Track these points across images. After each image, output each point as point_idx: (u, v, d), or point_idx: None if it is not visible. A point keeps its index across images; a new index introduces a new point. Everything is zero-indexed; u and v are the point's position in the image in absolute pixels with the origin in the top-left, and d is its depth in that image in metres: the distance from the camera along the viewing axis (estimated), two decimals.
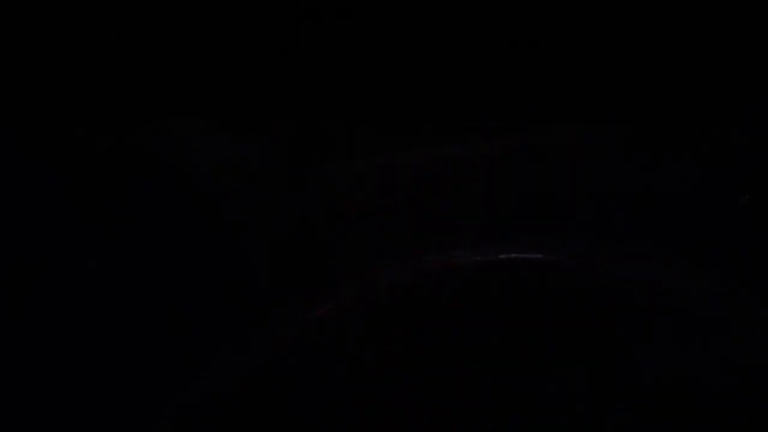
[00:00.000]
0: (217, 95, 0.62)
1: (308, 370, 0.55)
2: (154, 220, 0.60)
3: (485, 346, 0.57)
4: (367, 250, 0.57)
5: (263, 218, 0.61)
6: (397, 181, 0.62)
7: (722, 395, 0.54)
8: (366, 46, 0.62)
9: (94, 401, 0.56)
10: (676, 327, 0.55)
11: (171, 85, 0.61)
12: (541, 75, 0.63)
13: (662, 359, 0.56)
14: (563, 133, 0.61)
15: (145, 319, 0.59)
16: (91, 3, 0.59)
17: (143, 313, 0.59)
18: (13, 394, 0.56)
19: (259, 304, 0.57)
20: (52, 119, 0.60)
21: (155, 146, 0.59)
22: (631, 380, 0.56)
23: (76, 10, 0.59)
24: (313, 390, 0.56)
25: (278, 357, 0.54)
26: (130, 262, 0.59)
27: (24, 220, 0.59)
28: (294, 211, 0.61)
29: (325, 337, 0.55)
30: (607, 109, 0.63)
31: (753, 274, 0.57)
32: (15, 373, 0.57)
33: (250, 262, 0.60)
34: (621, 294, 0.55)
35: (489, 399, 0.56)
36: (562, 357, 0.56)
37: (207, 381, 0.54)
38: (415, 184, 0.62)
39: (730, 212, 0.61)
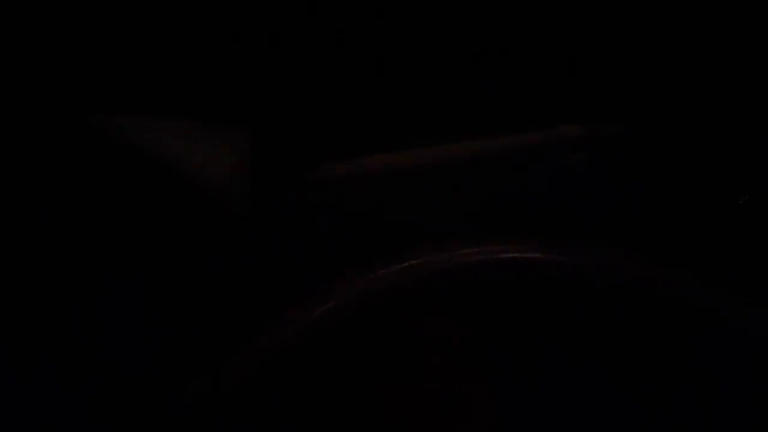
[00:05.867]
0: (216, 95, 0.62)
1: (308, 370, 0.56)
2: (153, 220, 0.60)
3: (485, 345, 0.57)
4: (367, 250, 0.57)
5: (262, 218, 0.61)
6: (397, 181, 0.62)
7: (722, 395, 0.54)
8: (365, 45, 0.63)
9: (94, 401, 0.56)
10: (676, 327, 0.55)
11: (170, 85, 0.62)
12: (540, 76, 0.63)
13: (662, 359, 0.56)
14: (563, 133, 0.61)
15: (145, 318, 0.59)
16: (90, 2, 0.60)
17: (143, 312, 0.59)
18: (13, 394, 0.56)
19: (258, 304, 0.57)
20: (52, 118, 0.60)
21: (152, 145, 0.59)
22: (631, 379, 0.56)
23: (75, 9, 0.60)
24: (312, 390, 0.56)
25: (278, 357, 0.54)
26: (128, 261, 0.60)
27: (24, 220, 0.59)
28: (293, 210, 0.61)
29: (324, 337, 0.55)
30: (607, 109, 0.63)
31: (753, 274, 0.57)
32: (16, 372, 0.57)
33: (248, 261, 0.60)
34: (621, 294, 0.55)
35: (488, 397, 0.56)
36: (561, 357, 0.57)
37: (206, 381, 0.54)
38: (414, 183, 0.62)
39: (730, 212, 0.61)
